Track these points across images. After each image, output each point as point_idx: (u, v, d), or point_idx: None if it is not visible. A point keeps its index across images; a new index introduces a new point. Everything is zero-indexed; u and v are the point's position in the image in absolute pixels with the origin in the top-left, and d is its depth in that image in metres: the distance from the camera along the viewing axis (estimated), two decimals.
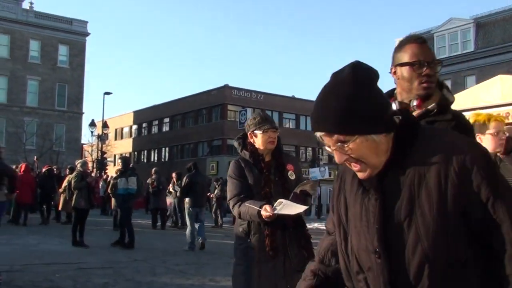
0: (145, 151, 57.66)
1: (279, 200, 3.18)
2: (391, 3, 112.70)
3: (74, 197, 11.44)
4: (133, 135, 60.38)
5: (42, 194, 16.61)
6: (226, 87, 46.21)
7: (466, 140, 1.53)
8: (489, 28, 32.91)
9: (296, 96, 51.48)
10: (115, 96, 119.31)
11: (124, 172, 11.59)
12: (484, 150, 1.48)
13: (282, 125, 48.79)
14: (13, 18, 41.94)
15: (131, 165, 12.61)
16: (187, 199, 11.80)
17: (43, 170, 17.67)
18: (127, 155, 53.35)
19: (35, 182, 16.32)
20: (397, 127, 1.47)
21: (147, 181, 18.32)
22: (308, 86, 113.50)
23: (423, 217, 1.38)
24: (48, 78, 43.16)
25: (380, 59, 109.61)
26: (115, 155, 50.82)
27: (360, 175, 1.49)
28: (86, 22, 46.12)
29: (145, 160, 56.91)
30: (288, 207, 3.14)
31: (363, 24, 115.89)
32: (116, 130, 60.91)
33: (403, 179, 1.43)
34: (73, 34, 44.73)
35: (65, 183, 14.65)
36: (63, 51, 44.35)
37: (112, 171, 27.31)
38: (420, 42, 2.19)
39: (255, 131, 3.50)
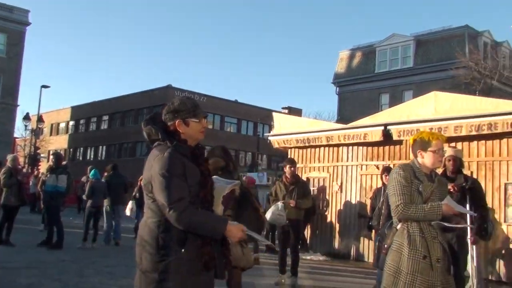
0: (81, 148, 56.21)
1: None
2: (335, 16, 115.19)
3: (3, 194, 10.96)
4: (70, 131, 58.73)
5: None
6: (169, 87, 45.80)
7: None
8: (428, 45, 34.19)
9: (239, 100, 51.74)
10: (53, 90, 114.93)
11: (55, 169, 11.21)
12: None
13: (223, 128, 48.93)
14: None
15: (63, 163, 12.27)
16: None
17: None
18: (62, 151, 51.86)
19: None
20: None
21: (82, 180, 17.83)
22: (251, 92, 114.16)
23: None
24: None
25: (323, 71, 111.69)
26: (49, 151, 49.26)
27: None
28: (28, 11, 44.32)
29: (80, 158, 55.50)
30: None
31: (307, 37, 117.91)
32: (52, 125, 59.14)
33: None
34: (12, 22, 42.85)
35: None
36: (0, 39, 42.53)
37: (45, 167, 26.45)
38: None
39: (188, 119, 2.95)
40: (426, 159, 3.82)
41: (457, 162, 6.27)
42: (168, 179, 2.74)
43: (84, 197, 12.16)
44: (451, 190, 6.04)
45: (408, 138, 9.76)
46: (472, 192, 6.03)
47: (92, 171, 12.26)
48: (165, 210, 2.73)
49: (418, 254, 3.59)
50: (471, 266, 5.98)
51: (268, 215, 8.10)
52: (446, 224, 3.70)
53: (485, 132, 9.36)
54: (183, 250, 2.77)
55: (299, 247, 9.03)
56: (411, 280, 3.55)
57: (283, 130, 13.60)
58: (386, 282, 3.69)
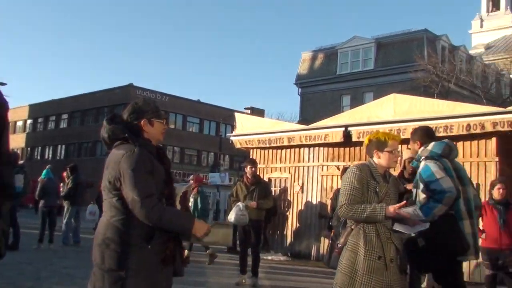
0: (39, 147, 54.92)
1: None
2: (298, 17, 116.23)
3: None
4: (27, 130, 57.31)
5: None
6: (130, 86, 45.19)
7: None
8: (389, 48, 34.77)
9: (202, 100, 51.52)
10: (10, 88, 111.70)
11: None
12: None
13: (185, 128, 48.61)
14: None
15: (20, 162, 12.03)
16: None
17: None
18: (19, 150, 50.61)
19: None
20: None
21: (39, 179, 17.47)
22: (214, 92, 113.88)
23: None
24: None
25: (286, 72, 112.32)
26: None
27: None
28: None
29: (38, 157, 54.19)
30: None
31: (270, 37, 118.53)
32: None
33: None
34: None
35: None
36: None
37: None
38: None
39: (153, 119, 3.03)
40: (382, 159, 3.86)
41: None
42: (138, 175, 2.77)
43: (36, 197, 11.98)
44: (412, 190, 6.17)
45: None
46: None
47: (44, 170, 12.07)
48: (136, 205, 2.74)
49: (373, 254, 3.62)
50: None
51: (231, 217, 8.05)
52: (403, 231, 3.73)
53: (442, 134, 9.56)
54: (149, 247, 2.78)
55: (260, 247, 9.05)
56: (367, 280, 3.58)
57: (245, 130, 13.63)
58: (341, 282, 3.69)
